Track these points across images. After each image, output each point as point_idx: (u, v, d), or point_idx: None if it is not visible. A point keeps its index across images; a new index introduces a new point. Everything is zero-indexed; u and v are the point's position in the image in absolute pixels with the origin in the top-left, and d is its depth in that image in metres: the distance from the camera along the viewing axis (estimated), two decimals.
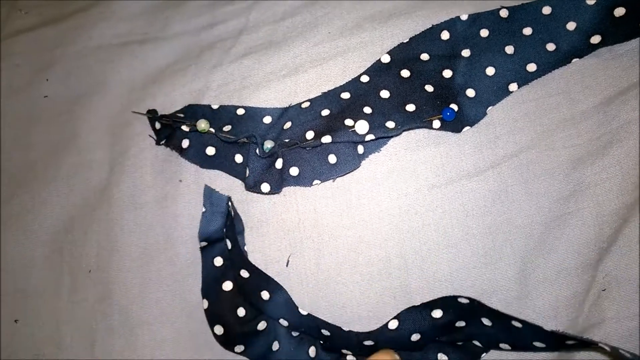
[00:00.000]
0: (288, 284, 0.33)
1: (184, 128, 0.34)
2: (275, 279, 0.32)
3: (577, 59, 0.33)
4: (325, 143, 0.32)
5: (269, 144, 0.33)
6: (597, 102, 0.32)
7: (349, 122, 0.33)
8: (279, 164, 0.33)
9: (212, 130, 0.34)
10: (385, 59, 0.34)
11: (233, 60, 0.36)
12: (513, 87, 0.34)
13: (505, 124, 0.33)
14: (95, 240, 0.35)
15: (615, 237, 0.30)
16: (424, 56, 0.34)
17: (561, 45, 0.33)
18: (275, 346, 0.32)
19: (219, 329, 0.32)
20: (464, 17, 0.34)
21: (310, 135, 0.33)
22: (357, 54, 0.35)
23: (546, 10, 0.33)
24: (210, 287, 0.33)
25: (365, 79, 0.34)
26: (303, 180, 0.34)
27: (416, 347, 0.31)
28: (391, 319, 0.31)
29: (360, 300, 0.32)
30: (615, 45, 0.33)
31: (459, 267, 0.32)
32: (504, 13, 0.34)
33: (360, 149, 0.34)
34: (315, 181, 0.33)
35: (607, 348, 0.26)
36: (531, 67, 0.33)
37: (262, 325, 0.32)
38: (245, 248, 0.34)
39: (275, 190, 0.33)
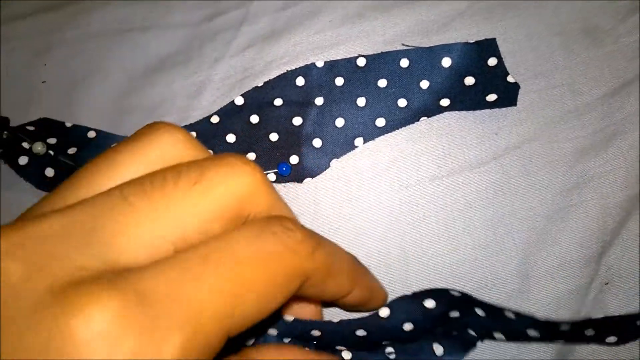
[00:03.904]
0: None
1: (25, 145, 0.33)
2: None
3: (426, 118, 0.33)
4: None
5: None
6: (601, 93, 0.32)
7: None
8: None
9: (51, 153, 0.33)
10: (239, 101, 0.33)
11: (234, 53, 0.36)
12: (359, 141, 0.33)
13: (508, 116, 0.33)
14: None
15: (619, 230, 0.30)
16: (278, 101, 0.33)
17: (412, 102, 0.33)
18: None
19: None
20: (320, 63, 0.33)
21: None
22: (359, 43, 0.34)
23: (404, 63, 0.33)
24: None
25: (215, 119, 0.33)
26: None
27: (410, 337, 0.30)
28: (382, 307, 0.31)
29: None
30: (620, 37, 0.32)
31: (460, 259, 0.31)
32: (361, 62, 0.33)
33: None
34: None
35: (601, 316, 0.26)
36: (380, 122, 0.33)
37: (250, 342, 0.31)
38: None
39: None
